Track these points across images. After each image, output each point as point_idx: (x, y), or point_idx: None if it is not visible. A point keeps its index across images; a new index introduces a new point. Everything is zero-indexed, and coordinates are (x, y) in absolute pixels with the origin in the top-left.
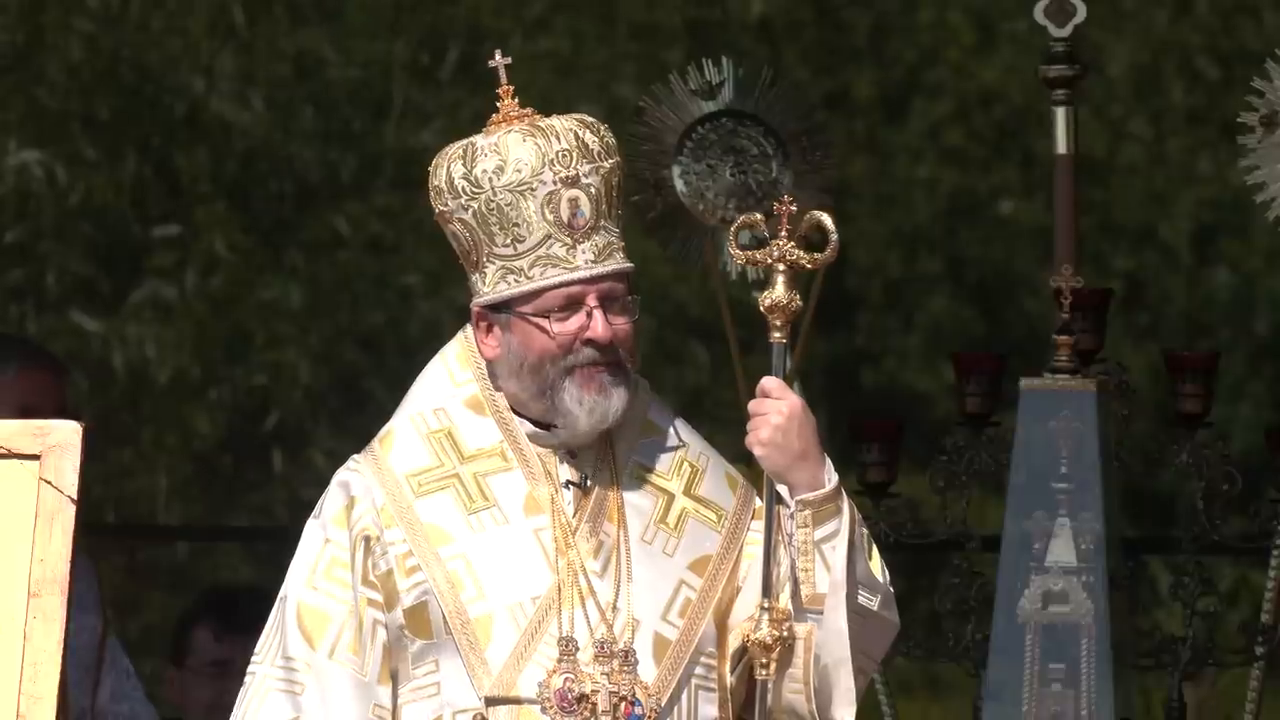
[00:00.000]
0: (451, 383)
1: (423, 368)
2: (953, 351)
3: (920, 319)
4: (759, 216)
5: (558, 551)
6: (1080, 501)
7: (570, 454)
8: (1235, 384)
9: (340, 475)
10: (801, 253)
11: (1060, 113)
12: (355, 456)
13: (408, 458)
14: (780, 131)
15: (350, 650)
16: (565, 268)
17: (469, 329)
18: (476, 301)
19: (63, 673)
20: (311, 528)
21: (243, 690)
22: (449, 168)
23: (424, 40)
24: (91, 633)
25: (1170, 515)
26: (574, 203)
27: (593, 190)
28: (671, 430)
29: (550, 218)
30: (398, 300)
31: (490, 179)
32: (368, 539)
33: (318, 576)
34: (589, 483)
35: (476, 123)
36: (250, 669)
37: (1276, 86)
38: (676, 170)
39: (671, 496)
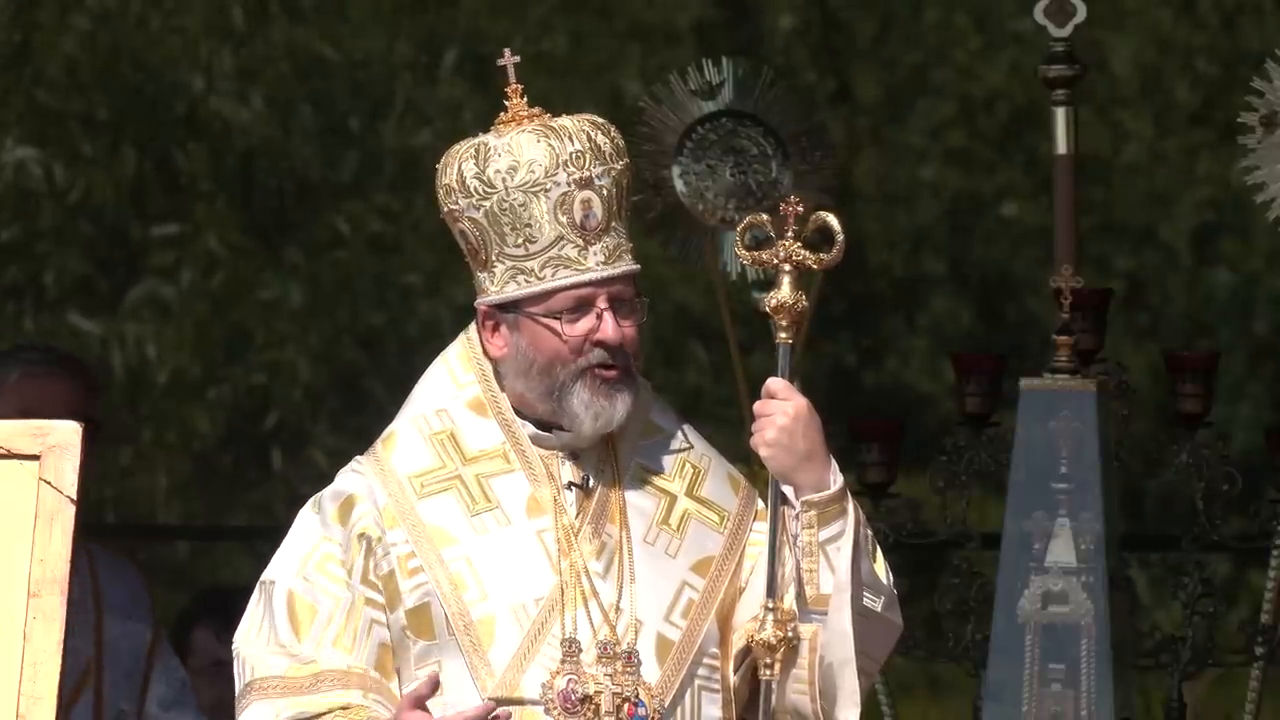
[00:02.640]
0: (454, 385)
1: (422, 367)
2: (952, 351)
3: (922, 320)
4: (765, 217)
5: (560, 553)
6: (1080, 501)
7: (572, 455)
8: (1235, 384)
9: (343, 475)
10: (807, 253)
11: (1060, 113)
12: (358, 458)
13: (410, 459)
14: (780, 131)
15: (336, 644)
16: (576, 269)
17: (471, 330)
18: (484, 301)
19: (62, 673)
20: (308, 518)
21: (239, 670)
22: (460, 166)
23: (424, 39)
24: (138, 639)
25: (1170, 515)
26: (587, 204)
27: (605, 192)
28: (674, 431)
29: (563, 219)
30: (398, 300)
31: (503, 179)
32: (369, 540)
33: (309, 568)
34: (591, 484)
35: (477, 122)
36: (237, 651)
37: (1276, 86)
38: (676, 170)
39: (674, 498)
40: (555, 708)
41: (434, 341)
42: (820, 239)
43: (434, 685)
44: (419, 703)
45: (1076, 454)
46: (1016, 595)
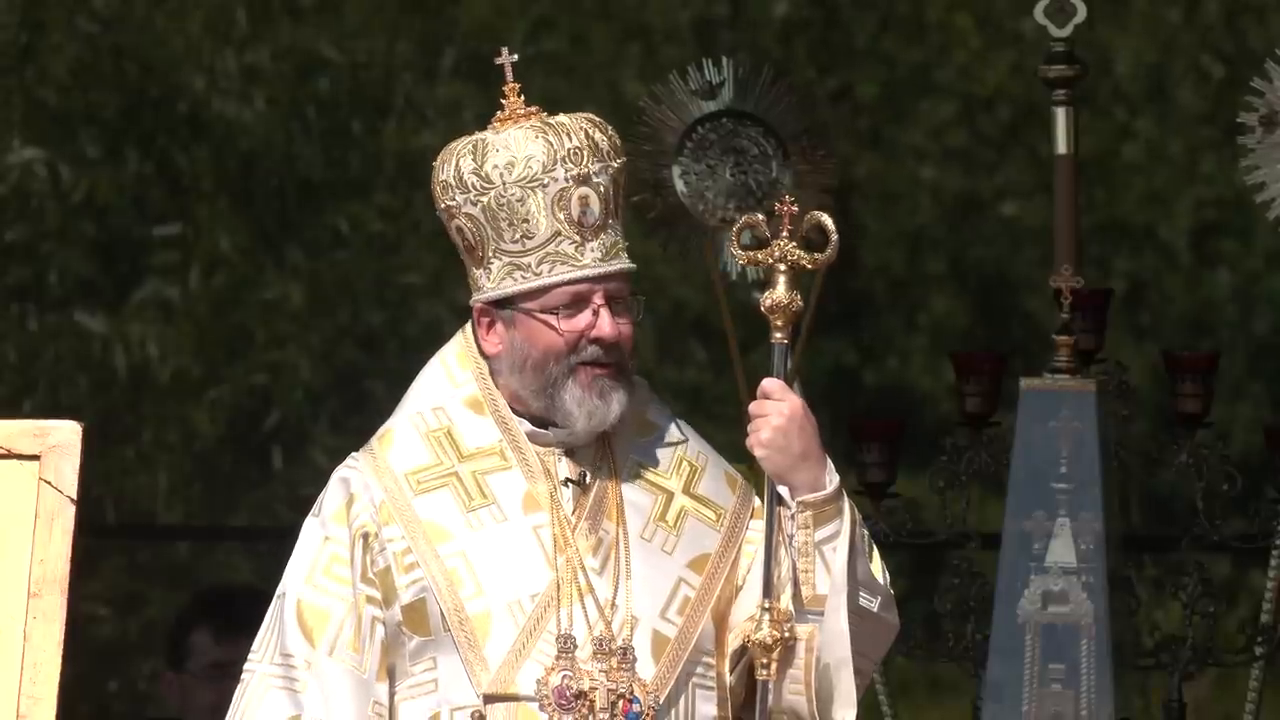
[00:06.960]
0: (450, 383)
1: (422, 367)
2: (952, 351)
3: (922, 319)
4: (760, 217)
5: (556, 549)
6: (1080, 501)
7: (569, 452)
8: (1235, 384)
9: (339, 473)
10: (802, 253)
11: (1060, 113)
12: (354, 454)
13: (406, 456)
14: (780, 131)
15: (350, 648)
16: (573, 265)
17: (468, 329)
18: (480, 297)
19: (62, 673)
20: (310, 525)
21: (240, 688)
22: (458, 162)
23: (425, 40)
24: None
25: (1170, 515)
26: (584, 201)
27: (602, 189)
28: (670, 429)
29: (560, 215)
30: (398, 300)
31: (501, 174)
32: (366, 535)
33: (317, 574)
34: (588, 480)
35: (477, 123)
36: (247, 667)
37: (1276, 87)
38: (676, 170)
39: (670, 494)
40: (550, 704)
41: (434, 341)
42: (815, 238)
43: None
44: None
45: (1076, 454)
46: (1016, 595)
